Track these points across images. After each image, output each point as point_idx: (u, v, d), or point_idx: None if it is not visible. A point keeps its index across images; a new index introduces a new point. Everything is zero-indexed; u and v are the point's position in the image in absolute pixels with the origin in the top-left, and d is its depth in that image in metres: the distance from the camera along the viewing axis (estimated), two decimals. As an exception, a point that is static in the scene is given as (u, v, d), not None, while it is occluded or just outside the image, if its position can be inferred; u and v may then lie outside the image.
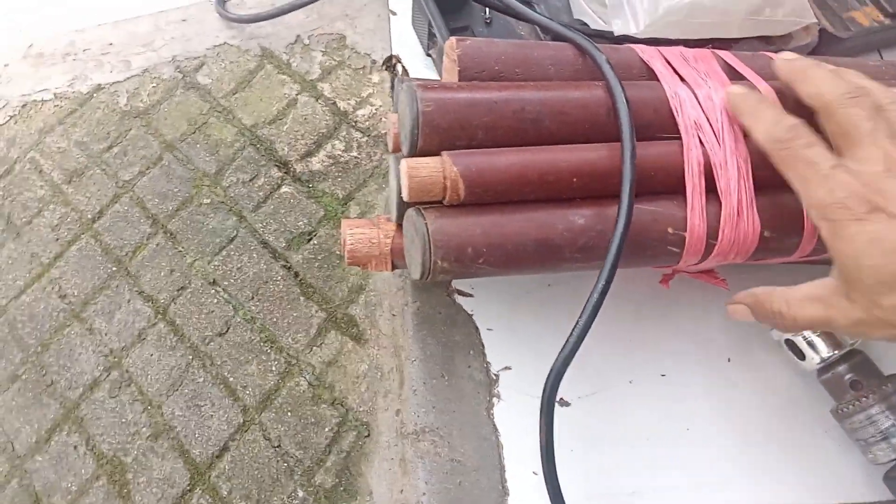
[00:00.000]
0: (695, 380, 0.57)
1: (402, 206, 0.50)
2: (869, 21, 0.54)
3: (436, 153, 0.35)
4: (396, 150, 0.45)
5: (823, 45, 0.70)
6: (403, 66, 0.76)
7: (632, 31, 0.66)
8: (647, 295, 0.61)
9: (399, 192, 0.49)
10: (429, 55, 0.78)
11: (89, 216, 0.72)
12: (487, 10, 0.76)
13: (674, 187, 0.31)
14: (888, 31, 0.52)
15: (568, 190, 0.33)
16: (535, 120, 0.32)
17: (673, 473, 0.54)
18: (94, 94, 0.80)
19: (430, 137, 0.32)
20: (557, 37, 0.75)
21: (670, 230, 0.33)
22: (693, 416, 0.56)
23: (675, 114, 0.33)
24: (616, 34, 0.69)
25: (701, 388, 0.57)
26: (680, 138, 0.33)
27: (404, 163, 0.41)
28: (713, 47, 0.68)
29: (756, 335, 0.60)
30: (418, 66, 0.72)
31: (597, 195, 0.32)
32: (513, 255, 0.37)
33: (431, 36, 0.74)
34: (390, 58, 0.78)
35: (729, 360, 0.59)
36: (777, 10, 0.68)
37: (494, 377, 0.59)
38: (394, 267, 0.40)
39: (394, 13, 0.80)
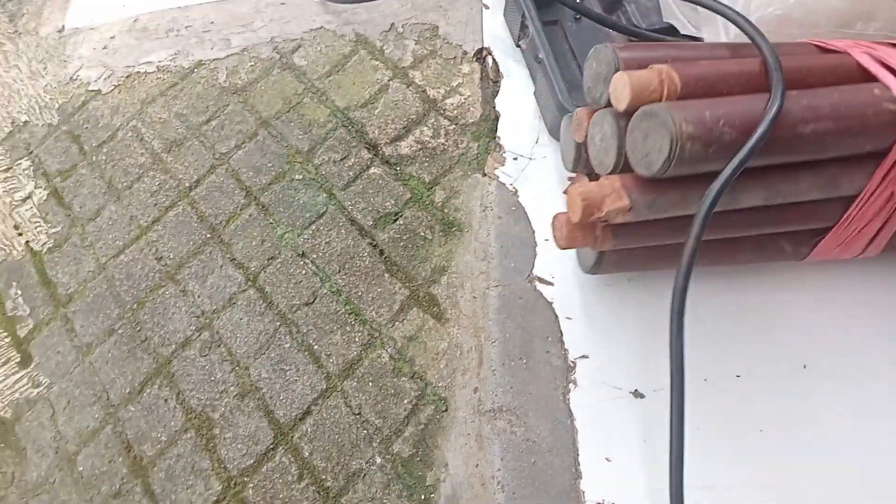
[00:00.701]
0: (768, 383, 0.58)
1: (579, 152, 0.54)
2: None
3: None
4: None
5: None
6: (494, 59, 0.78)
7: (721, 39, 0.67)
8: (727, 297, 0.62)
9: (577, 145, 0.52)
10: (518, 46, 0.80)
11: (186, 184, 0.76)
12: (577, 8, 0.77)
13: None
14: None
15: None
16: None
17: (742, 471, 0.55)
18: (195, 70, 0.84)
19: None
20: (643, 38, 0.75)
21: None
22: (766, 418, 0.57)
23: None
24: (706, 41, 0.70)
25: (776, 392, 0.58)
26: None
27: (620, 74, 0.46)
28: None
29: (834, 344, 0.59)
30: (509, 59, 0.74)
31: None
32: (748, 115, 0.42)
33: (524, 27, 0.75)
34: (481, 50, 0.81)
35: (805, 367, 0.60)
36: (869, 25, 0.67)
37: (572, 364, 0.61)
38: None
39: (486, 6, 0.82)
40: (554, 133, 0.70)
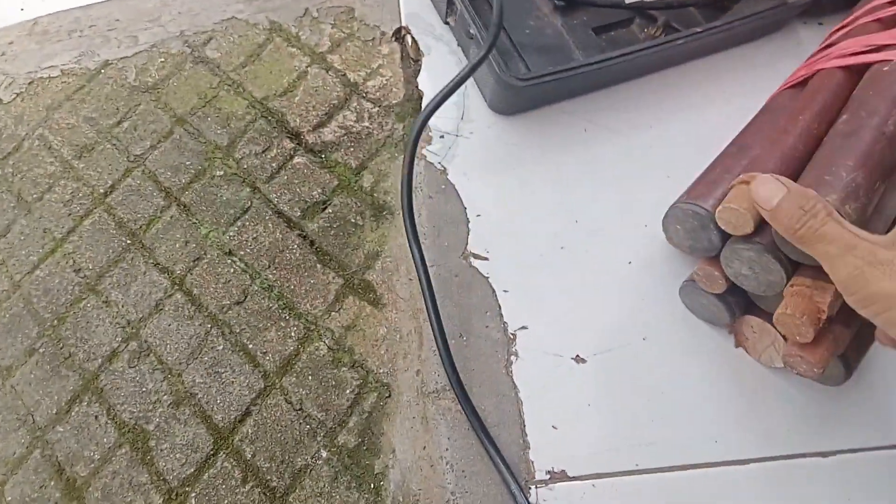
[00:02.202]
0: (705, 340, 0.59)
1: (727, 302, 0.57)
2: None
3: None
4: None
5: None
6: (413, 37, 0.77)
7: None
8: (661, 253, 0.63)
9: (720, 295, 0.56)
10: (446, 23, 0.79)
11: (101, 191, 0.73)
12: None
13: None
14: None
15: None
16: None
17: (685, 426, 0.57)
18: (102, 70, 0.80)
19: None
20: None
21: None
22: (706, 372, 0.58)
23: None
24: (627, 3, 0.71)
25: (712, 346, 0.59)
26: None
27: (728, 211, 0.50)
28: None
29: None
30: (429, 37, 0.73)
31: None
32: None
33: (451, 4, 0.75)
34: (399, 29, 0.80)
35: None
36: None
37: (512, 336, 0.61)
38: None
39: (402, -15, 0.81)
40: (495, 107, 0.69)
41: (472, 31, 0.66)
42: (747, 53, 0.76)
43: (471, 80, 0.71)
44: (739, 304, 0.55)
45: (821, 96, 0.57)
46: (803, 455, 0.55)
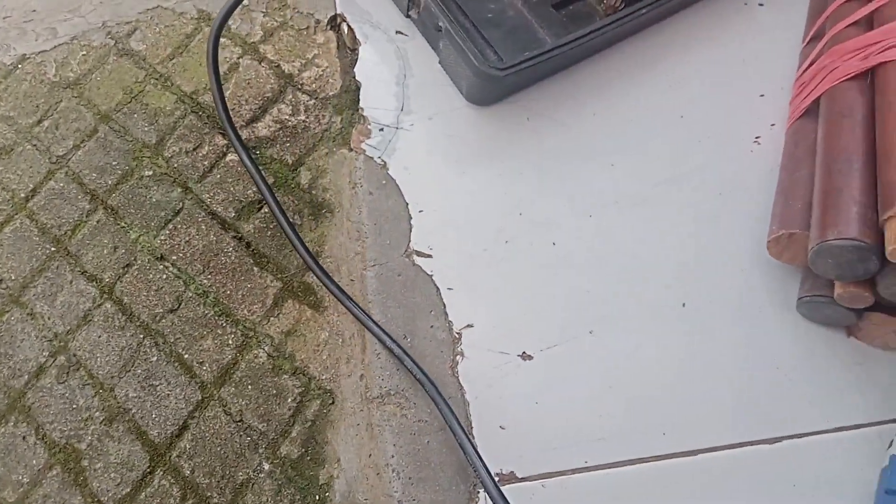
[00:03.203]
0: (652, 326, 0.59)
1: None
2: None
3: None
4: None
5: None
6: (349, 25, 0.74)
7: None
8: (608, 244, 0.62)
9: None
10: (408, 16, 0.77)
11: (22, 195, 0.69)
12: None
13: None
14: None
15: None
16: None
17: (634, 420, 0.56)
18: (19, 65, 0.76)
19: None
20: None
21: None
22: (652, 364, 0.58)
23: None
24: None
25: (659, 334, 0.59)
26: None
27: None
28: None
29: (712, 275, 0.61)
30: (366, 24, 0.70)
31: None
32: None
33: None
34: (335, 17, 0.77)
35: (684, 306, 0.61)
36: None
37: (457, 335, 0.60)
38: None
39: (338, -29, 0.78)
40: (473, 99, 0.68)
41: (440, 23, 0.64)
42: (693, 16, 0.75)
43: (408, 70, 0.69)
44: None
45: None
46: (750, 443, 0.56)
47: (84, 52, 0.75)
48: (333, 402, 0.57)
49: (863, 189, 0.54)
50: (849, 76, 0.61)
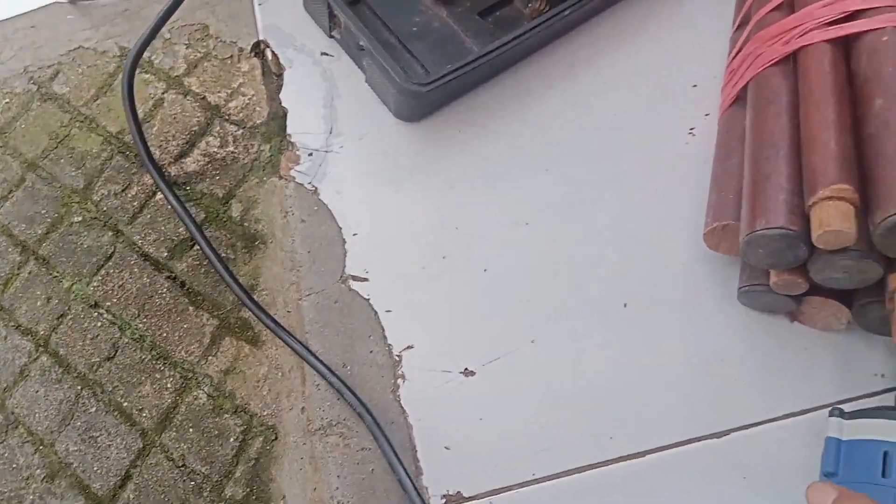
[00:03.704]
0: (594, 330, 0.59)
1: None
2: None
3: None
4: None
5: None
6: (272, 51, 0.74)
7: None
8: (544, 252, 0.62)
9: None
10: (332, 37, 0.76)
11: (-49, 252, 0.69)
12: None
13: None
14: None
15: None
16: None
17: (579, 427, 0.56)
18: (-59, 119, 0.75)
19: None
20: None
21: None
22: (596, 368, 0.58)
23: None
24: None
25: (601, 337, 0.59)
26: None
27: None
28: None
29: (652, 272, 0.61)
30: (289, 48, 0.70)
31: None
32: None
33: (333, 17, 0.72)
34: (258, 43, 0.77)
35: (626, 306, 0.61)
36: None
37: (398, 358, 0.60)
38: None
39: (256, -5, 0.78)
40: (402, 116, 0.68)
41: (361, 42, 0.64)
42: (620, 12, 0.75)
43: (335, 91, 0.69)
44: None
45: (829, 77, 0.55)
46: (699, 439, 0.56)
47: (7, 100, 0.75)
48: (276, 438, 0.57)
49: (790, 175, 0.55)
50: (773, 62, 0.61)
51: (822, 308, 0.57)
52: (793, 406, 0.57)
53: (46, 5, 0.78)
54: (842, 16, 0.58)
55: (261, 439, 0.57)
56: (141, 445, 0.58)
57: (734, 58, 0.67)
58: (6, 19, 0.79)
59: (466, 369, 0.58)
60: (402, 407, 0.56)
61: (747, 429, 0.56)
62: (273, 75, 0.71)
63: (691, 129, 0.69)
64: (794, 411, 0.57)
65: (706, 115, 0.69)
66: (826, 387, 0.58)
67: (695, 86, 0.71)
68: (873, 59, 0.54)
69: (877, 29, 0.55)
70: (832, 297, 0.56)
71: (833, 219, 0.49)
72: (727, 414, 0.57)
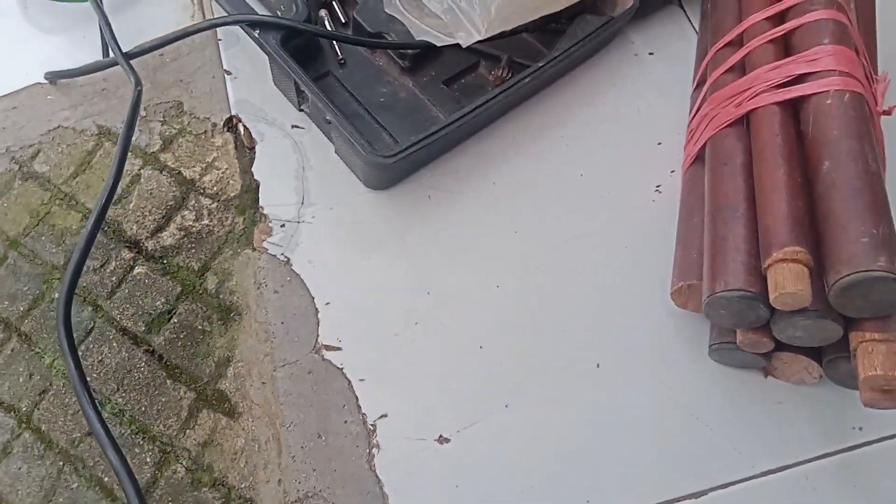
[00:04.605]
0: (567, 391, 0.61)
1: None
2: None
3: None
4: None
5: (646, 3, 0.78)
6: (244, 125, 0.78)
7: (476, 38, 0.72)
8: (517, 315, 0.64)
9: None
10: (301, 110, 0.81)
11: (-65, 333, 0.71)
12: (339, 51, 0.80)
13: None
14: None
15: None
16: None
17: (556, 491, 0.58)
18: (-74, 201, 0.79)
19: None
20: (415, 51, 0.80)
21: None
22: (571, 431, 0.60)
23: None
24: (465, 46, 0.74)
25: (574, 398, 0.61)
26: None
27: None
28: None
29: (624, 331, 0.63)
30: (261, 122, 0.74)
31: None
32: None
33: (300, 93, 0.77)
34: (230, 118, 0.81)
35: (598, 366, 0.64)
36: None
37: (372, 427, 0.62)
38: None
39: (228, 72, 0.83)
40: (371, 185, 0.71)
41: (328, 116, 0.67)
42: (584, 73, 0.79)
43: (306, 163, 0.73)
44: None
45: (779, 139, 0.58)
46: (677, 500, 0.57)
47: (-10, 180, 0.79)
48: (253, 512, 0.59)
49: (747, 237, 0.58)
50: (727, 123, 0.65)
51: (793, 363, 0.60)
52: (771, 462, 0.59)
53: (28, 86, 0.83)
54: (789, 79, 0.61)
55: (238, 513, 0.59)
56: (120, 522, 0.60)
57: (693, 117, 0.70)
58: (-12, 100, 0.84)
59: (441, 436, 0.60)
60: (377, 476, 0.58)
61: (725, 487, 0.58)
62: (246, 149, 0.75)
63: (657, 186, 0.72)
64: (773, 468, 0.59)
65: (672, 171, 0.73)
66: (803, 442, 0.60)
67: (659, 143, 0.75)
68: (819, 122, 0.58)
69: (821, 92, 0.59)
70: (801, 352, 0.58)
71: (787, 281, 0.51)
72: (705, 473, 0.59)
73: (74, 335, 0.68)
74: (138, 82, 0.70)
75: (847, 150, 0.55)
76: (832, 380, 0.59)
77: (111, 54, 0.75)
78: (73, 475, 0.63)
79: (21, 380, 0.68)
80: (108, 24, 0.76)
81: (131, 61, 0.72)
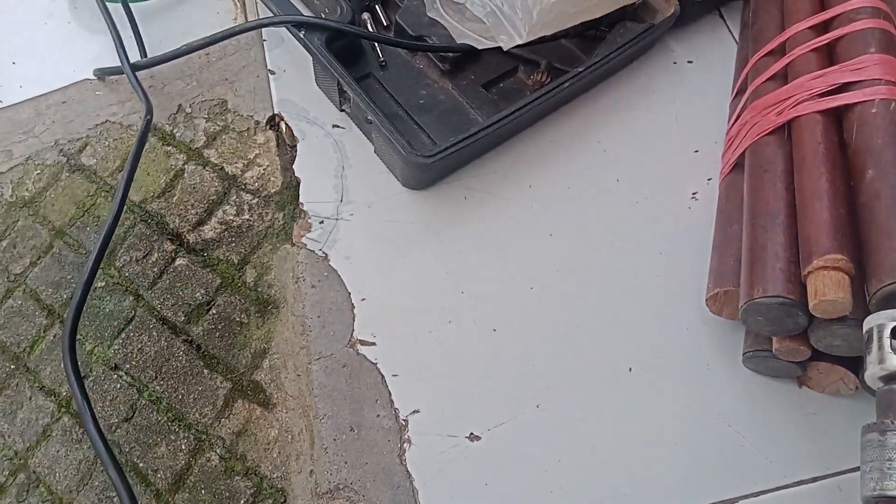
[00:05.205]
0: (599, 394, 0.62)
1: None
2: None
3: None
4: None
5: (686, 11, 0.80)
6: (287, 124, 0.81)
7: (517, 41, 0.74)
8: (552, 316, 0.66)
9: None
10: (342, 111, 0.84)
11: (-18, 317, 0.75)
12: (381, 53, 0.83)
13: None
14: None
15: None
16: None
17: (585, 494, 0.59)
18: (-22, 190, 0.83)
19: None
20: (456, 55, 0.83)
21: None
22: (601, 433, 0.61)
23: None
24: (506, 49, 0.76)
25: (606, 401, 0.62)
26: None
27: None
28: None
29: (657, 336, 0.64)
30: (302, 121, 0.77)
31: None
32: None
33: (342, 93, 0.80)
34: (273, 117, 0.84)
35: (630, 370, 0.65)
36: None
37: (404, 423, 0.64)
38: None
39: (272, 72, 0.86)
40: (409, 185, 0.74)
41: (369, 116, 0.70)
42: (622, 79, 0.81)
43: (346, 162, 0.75)
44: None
45: (821, 148, 0.59)
46: (708, 507, 0.58)
47: (38, 171, 0.82)
48: (285, 501, 0.60)
49: (786, 244, 0.58)
50: (768, 131, 0.65)
51: (830, 373, 0.60)
52: (804, 473, 0.59)
53: (77, 82, 0.86)
54: (832, 87, 0.62)
55: (270, 502, 0.61)
56: (155, 507, 0.62)
57: (732, 125, 0.71)
58: (41, 95, 0.87)
59: (472, 434, 0.61)
60: (408, 471, 0.60)
61: (757, 496, 0.58)
62: (287, 147, 0.77)
63: (694, 193, 0.73)
64: (806, 478, 0.59)
65: (708, 179, 0.74)
66: (837, 453, 0.60)
67: (696, 151, 0.76)
68: (863, 131, 0.58)
69: (866, 101, 0.59)
70: (838, 362, 0.59)
71: (828, 288, 0.52)
72: (736, 481, 0.59)
73: (115, 323, 0.71)
74: (149, 111, 0.74)
75: (892, 160, 0.55)
76: (869, 392, 0.59)
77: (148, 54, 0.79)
78: (110, 459, 0.65)
79: (62, 365, 0.70)
80: (121, 42, 0.83)
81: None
